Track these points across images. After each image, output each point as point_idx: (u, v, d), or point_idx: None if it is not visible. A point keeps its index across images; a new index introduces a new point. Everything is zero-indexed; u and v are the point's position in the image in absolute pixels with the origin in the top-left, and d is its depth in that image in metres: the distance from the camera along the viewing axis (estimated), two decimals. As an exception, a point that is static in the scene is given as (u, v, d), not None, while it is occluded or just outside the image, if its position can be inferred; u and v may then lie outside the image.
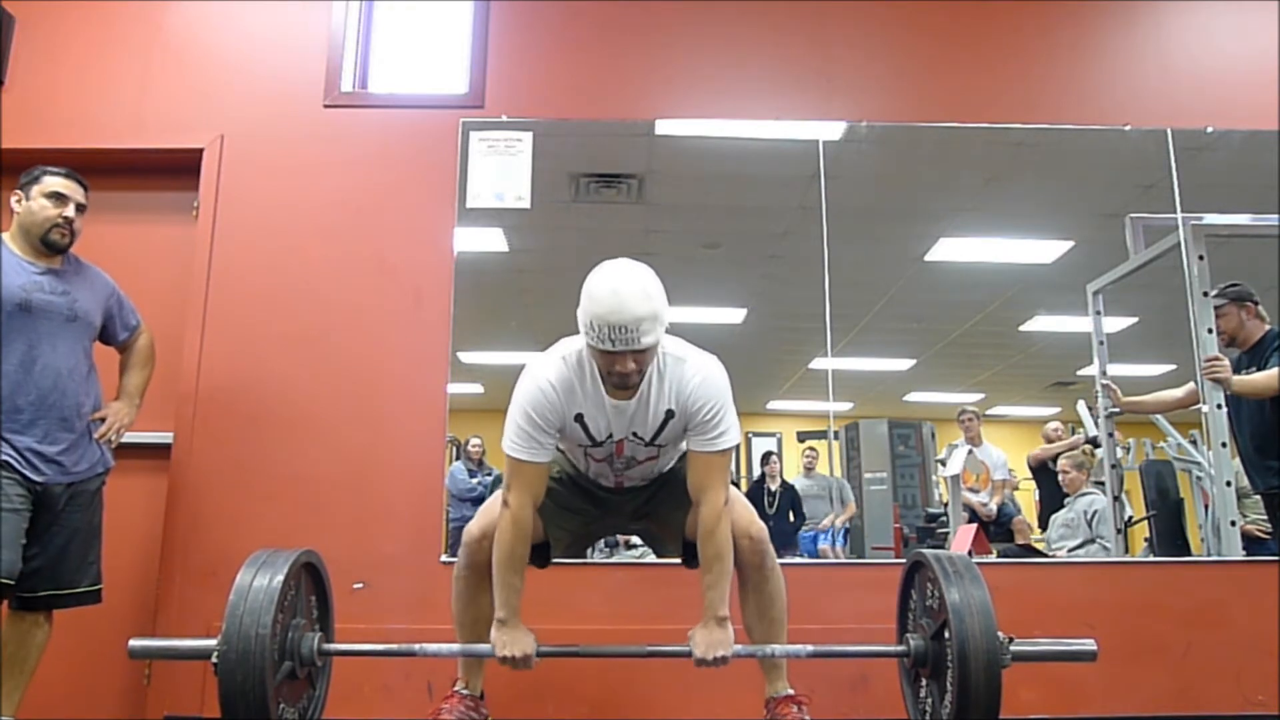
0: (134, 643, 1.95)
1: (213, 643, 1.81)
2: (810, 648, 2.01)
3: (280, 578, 1.84)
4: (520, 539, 2.00)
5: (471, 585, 2.13)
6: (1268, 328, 3.18)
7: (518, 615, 2.01)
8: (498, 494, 2.09)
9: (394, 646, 2.08)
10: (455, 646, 2.08)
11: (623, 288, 1.87)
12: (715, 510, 1.98)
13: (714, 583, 1.98)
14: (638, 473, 2.18)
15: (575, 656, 2.12)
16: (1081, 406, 3.65)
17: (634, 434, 2.06)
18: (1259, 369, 3.11)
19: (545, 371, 2.01)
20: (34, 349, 2.44)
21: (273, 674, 1.81)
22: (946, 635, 1.88)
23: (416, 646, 2.02)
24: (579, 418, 2.03)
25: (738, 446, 2.16)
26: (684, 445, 2.11)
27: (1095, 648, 1.96)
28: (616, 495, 2.25)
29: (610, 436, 2.07)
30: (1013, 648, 1.87)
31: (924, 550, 2.09)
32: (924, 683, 2.08)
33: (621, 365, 1.90)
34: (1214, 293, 3.23)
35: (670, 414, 2.03)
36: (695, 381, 2.01)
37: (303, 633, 1.96)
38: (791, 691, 2.11)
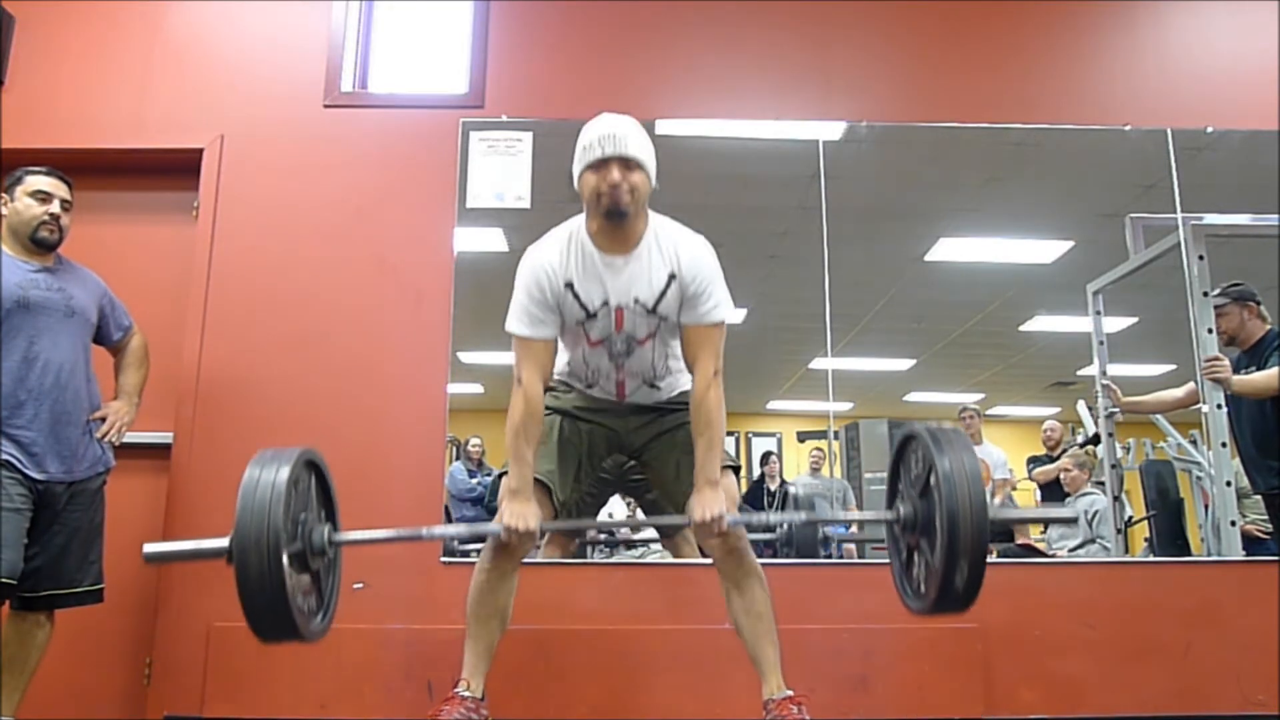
0: (148, 548, 1.97)
1: (226, 541, 1.83)
2: (803, 515, 2.02)
3: (287, 471, 1.87)
4: (531, 414, 2.06)
5: (493, 580, 2.13)
6: (1268, 328, 3.18)
7: (529, 488, 2.06)
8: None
9: (403, 531, 2.15)
10: (463, 528, 2.13)
11: (606, 117, 2.09)
12: (705, 379, 2.06)
13: (705, 448, 2.04)
14: (638, 367, 2.17)
15: (577, 530, 2.12)
16: (1081, 406, 3.65)
17: (635, 300, 2.09)
18: (1259, 369, 3.11)
19: (536, 248, 2.14)
20: (34, 344, 2.45)
21: (287, 562, 1.82)
22: (934, 490, 1.86)
23: (424, 530, 2.10)
24: (569, 286, 2.09)
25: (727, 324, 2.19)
26: (678, 350, 2.17)
27: (1075, 514, 1.96)
28: (622, 419, 2.24)
29: (606, 304, 2.10)
30: (997, 511, 1.86)
31: (914, 425, 2.08)
32: (914, 554, 2.04)
33: (610, 175, 2.00)
34: (1215, 292, 3.23)
35: (672, 277, 2.09)
36: (693, 249, 2.11)
37: (312, 524, 1.98)
38: (790, 692, 2.11)
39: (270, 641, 1.85)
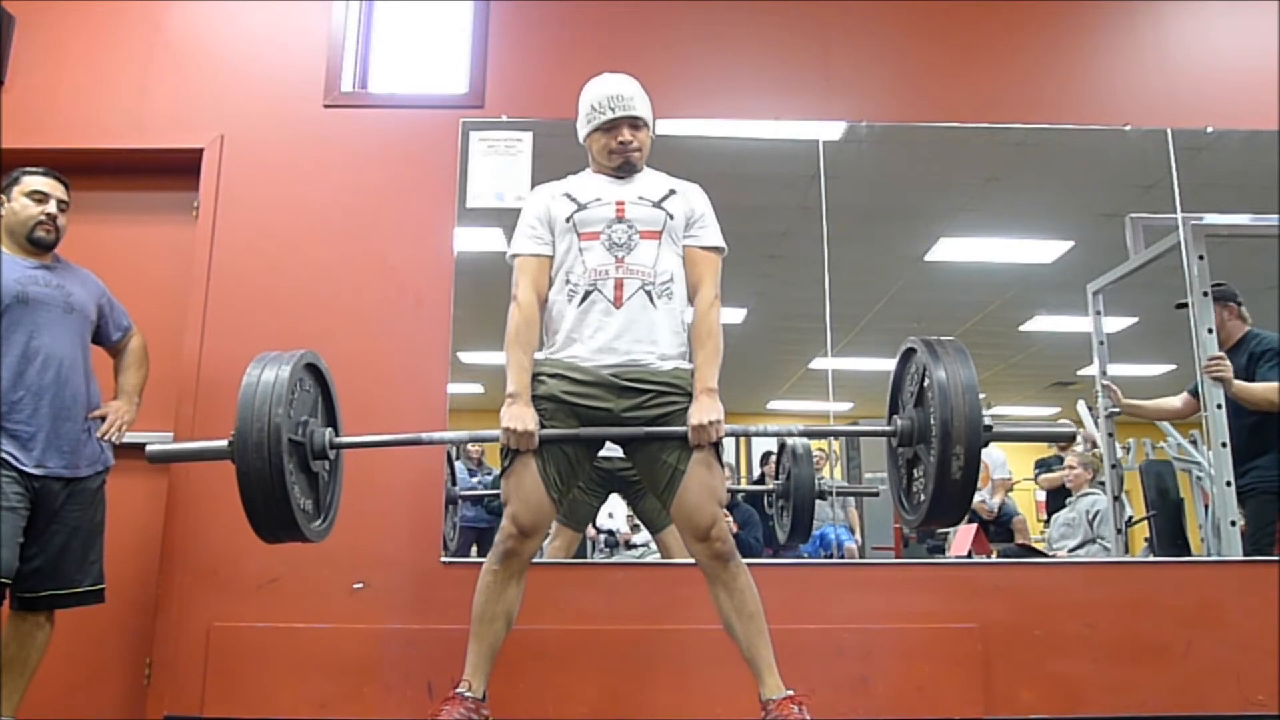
0: (151, 448, 1.98)
1: (227, 443, 1.83)
2: (800, 426, 2.06)
3: (287, 370, 1.88)
4: (528, 322, 2.19)
5: (501, 580, 2.13)
6: (1247, 328, 3.21)
7: (527, 393, 2.14)
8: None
9: (402, 435, 2.23)
10: (464, 434, 2.25)
11: (609, 76, 2.31)
12: (707, 300, 2.23)
13: (705, 359, 2.16)
14: (638, 265, 2.18)
15: (578, 439, 2.14)
16: (1081, 406, 3.64)
17: (639, 196, 2.26)
18: (1241, 371, 3.15)
19: (541, 185, 2.36)
20: (34, 340, 2.45)
21: (288, 459, 1.82)
22: (929, 398, 1.88)
23: (424, 435, 2.19)
24: (567, 194, 2.27)
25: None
26: (679, 274, 2.24)
27: (1074, 430, 2.00)
28: (611, 398, 2.15)
29: (599, 200, 2.24)
30: (996, 425, 1.91)
31: (915, 338, 2.11)
32: (913, 469, 2.05)
33: (621, 134, 2.24)
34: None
35: (673, 191, 2.29)
36: (689, 184, 2.34)
37: (314, 426, 1.98)
38: (790, 692, 2.11)
39: (271, 539, 1.84)
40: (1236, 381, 3.14)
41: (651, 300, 2.18)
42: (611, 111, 2.24)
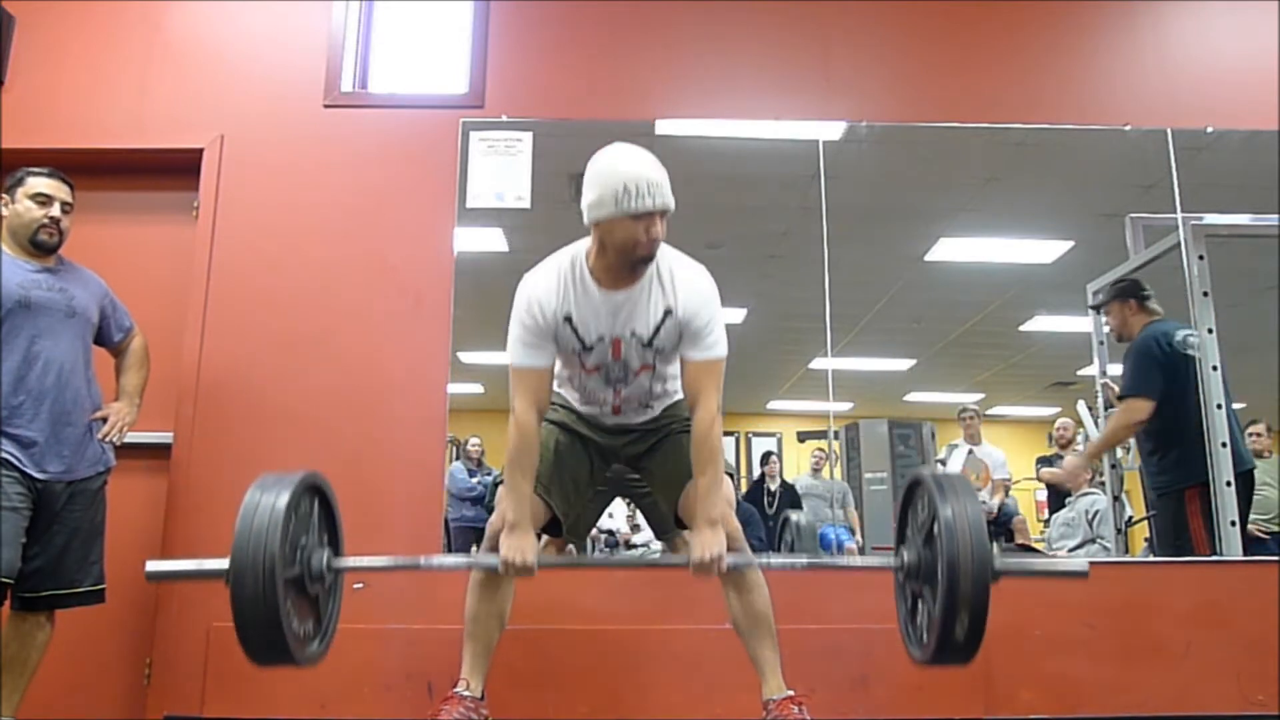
0: (151, 565, 1.97)
1: (227, 563, 1.83)
2: (805, 559, 2.01)
3: (286, 497, 1.86)
4: (527, 446, 2.06)
5: (491, 582, 2.15)
6: (1149, 320, 3.22)
7: (527, 521, 2.04)
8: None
9: (401, 560, 2.15)
10: (462, 559, 2.13)
11: (640, 153, 2.01)
12: (709, 416, 2.03)
13: (707, 487, 2.02)
14: (634, 393, 2.19)
15: (576, 567, 2.13)
16: (1081, 406, 3.65)
17: (632, 332, 2.09)
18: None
19: (534, 277, 2.11)
20: (35, 344, 2.45)
21: (284, 587, 1.81)
22: (936, 537, 1.87)
23: (422, 560, 2.08)
24: (568, 319, 2.08)
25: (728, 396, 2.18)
26: (673, 371, 2.19)
27: (1086, 568, 1.95)
28: (615, 437, 2.27)
29: (602, 338, 2.10)
30: (1004, 563, 1.86)
31: (921, 470, 2.07)
32: (919, 601, 2.05)
33: (653, 228, 1.97)
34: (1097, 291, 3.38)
35: (669, 313, 2.07)
36: (692, 284, 2.08)
37: (312, 549, 1.97)
38: (791, 692, 2.11)
39: (263, 664, 1.84)
40: (1088, 449, 3.41)
41: (648, 406, 2.25)
42: (650, 199, 1.95)
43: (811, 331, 3.30)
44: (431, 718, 2.08)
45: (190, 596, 2.90)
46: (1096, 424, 3.54)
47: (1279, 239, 3.34)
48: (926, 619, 1.97)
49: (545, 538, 2.62)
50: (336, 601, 2.13)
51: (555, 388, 2.28)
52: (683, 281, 2.08)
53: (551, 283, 2.08)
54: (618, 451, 2.29)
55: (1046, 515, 3.87)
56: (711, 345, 2.07)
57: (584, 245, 2.10)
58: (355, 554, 2.90)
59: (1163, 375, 3.13)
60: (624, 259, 2.02)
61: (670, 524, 2.34)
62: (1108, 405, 3.40)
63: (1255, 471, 3.23)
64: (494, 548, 2.11)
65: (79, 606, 2.50)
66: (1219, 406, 3.13)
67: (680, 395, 2.26)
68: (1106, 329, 3.32)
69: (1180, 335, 3.14)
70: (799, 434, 3.79)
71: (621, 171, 1.97)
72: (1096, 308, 3.39)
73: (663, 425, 2.26)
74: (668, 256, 2.10)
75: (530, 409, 2.06)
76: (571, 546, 2.50)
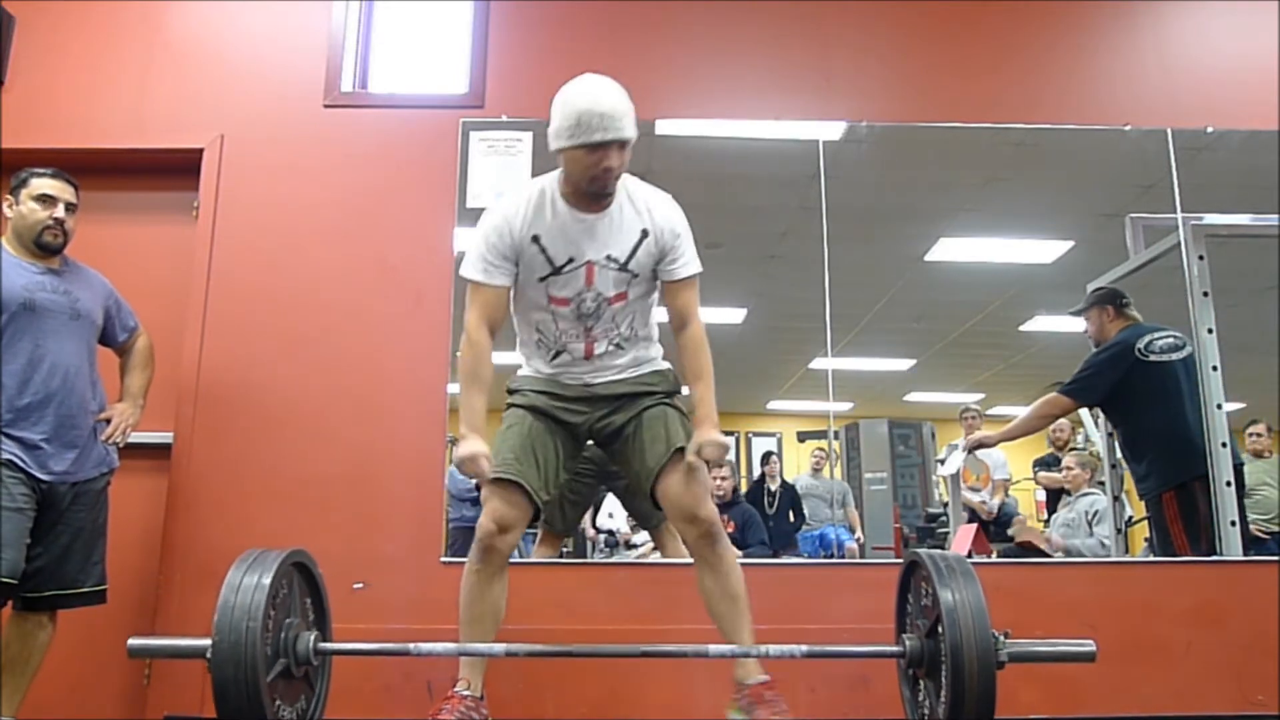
0: (133, 641, 1.95)
1: (209, 641, 1.81)
2: (805, 648, 2.00)
3: (269, 577, 1.83)
4: (479, 358, 2.13)
5: (484, 579, 2.14)
6: (1124, 325, 3.24)
7: (481, 429, 2.10)
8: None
9: (390, 645, 2.11)
10: (451, 646, 2.08)
11: (602, 84, 2.07)
12: (699, 327, 2.19)
13: (705, 390, 2.13)
14: (606, 330, 2.18)
15: (570, 656, 2.12)
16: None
17: (607, 256, 2.12)
18: None
19: (502, 200, 2.20)
20: (40, 347, 2.45)
21: (266, 672, 1.80)
22: (940, 633, 1.87)
23: (411, 646, 2.03)
24: (536, 239, 2.12)
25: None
26: (643, 315, 2.23)
27: (1094, 648, 1.94)
28: (585, 409, 2.23)
29: (573, 260, 2.12)
30: (1010, 648, 1.86)
31: (919, 550, 2.08)
32: (921, 684, 2.07)
33: (607, 160, 2.02)
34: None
35: (645, 234, 2.14)
36: (664, 207, 2.19)
37: (297, 631, 1.95)
38: (767, 678, 2.11)
39: None
40: (990, 435, 3.44)
41: (620, 347, 2.23)
42: (603, 132, 2.00)
43: (811, 331, 3.30)
44: (431, 717, 2.08)
45: (190, 596, 2.90)
46: (1096, 424, 3.54)
47: (1279, 239, 3.34)
48: (929, 704, 1.98)
49: (541, 530, 2.63)
50: (324, 682, 2.12)
51: (524, 360, 2.29)
52: (655, 204, 2.17)
53: (520, 204, 2.15)
54: (590, 429, 2.25)
55: (1046, 515, 3.87)
56: (689, 262, 2.19)
57: (558, 173, 2.17)
58: (355, 555, 2.91)
59: (1106, 386, 3.19)
60: (583, 189, 2.09)
61: (650, 510, 2.34)
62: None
63: (1256, 471, 3.23)
64: (485, 549, 2.11)
65: (81, 607, 2.50)
66: (1219, 407, 3.13)
67: (654, 361, 2.27)
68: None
69: (1149, 339, 3.15)
70: (799, 434, 3.79)
71: (579, 104, 2.03)
72: (1077, 313, 3.39)
73: (636, 395, 2.23)
74: (637, 186, 2.18)
75: (482, 325, 2.14)
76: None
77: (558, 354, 2.24)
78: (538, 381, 2.27)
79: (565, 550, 3.11)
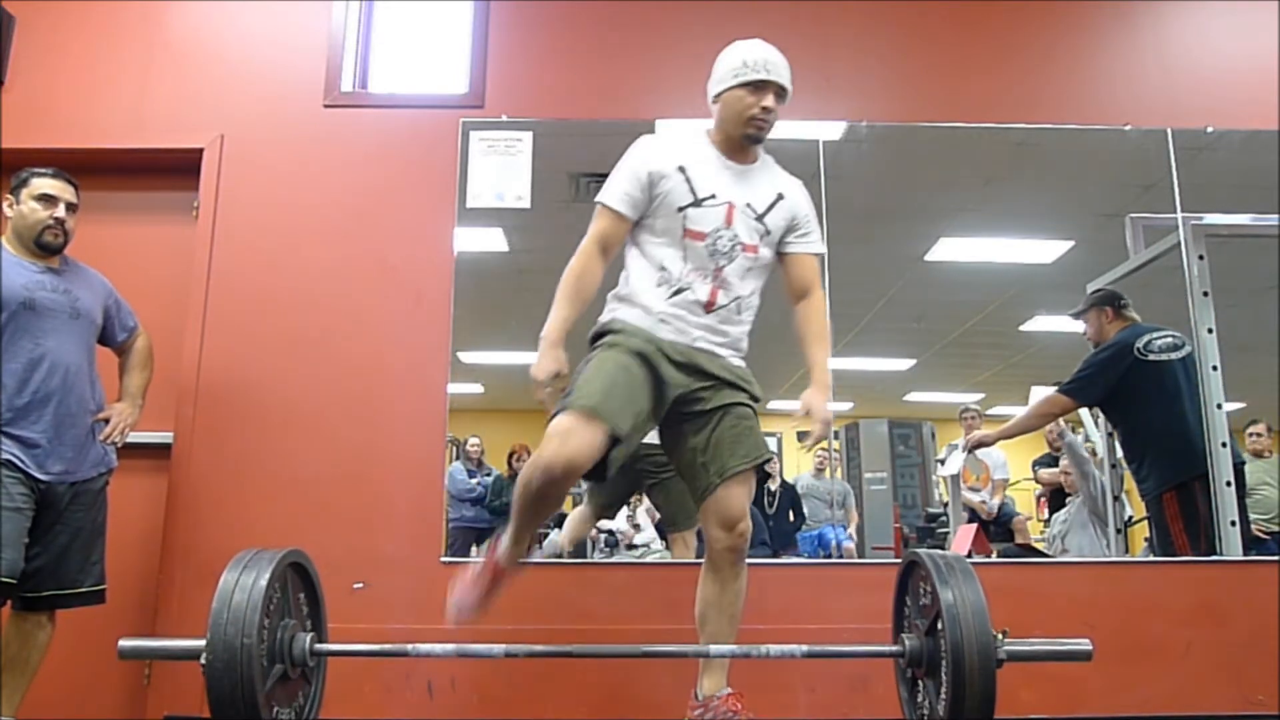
0: (124, 643, 1.93)
1: (203, 643, 1.80)
2: (804, 648, 2.00)
3: (265, 578, 1.82)
4: (590, 270, 2.16)
5: (545, 493, 1.98)
6: (1123, 326, 3.25)
7: (562, 343, 2.09)
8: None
9: (388, 646, 2.11)
10: (450, 646, 2.07)
11: (765, 44, 2.24)
12: (820, 298, 2.30)
13: (824, 356, 2.25)
14: (735, 274, 2.17)
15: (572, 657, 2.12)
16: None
17: (748, 204, 2.19)
18: None
19: (652, 137, 2.29)
20: (40, 346, 2.45)
21: (261, 674, 1.79)
22: (940, 631, 1.87)
23: (410, 646, 2.02)
24: (682, 169, 2.17)
25: None
26: (754, 299, 2.25)
27: (1090, 647, 1.95)
28: (686, 377, 2.13)
29: (714, 197, 2.16)
30: (1007, 646, 1.86)
31: (918, 550, 2.08)
32: (919, 683, 2.07)
33: (766, 99, 2.15)
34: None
35: (780, 197, 2.24)
36: (798, 185, 2.32)
37: (293, 632, 1.95)
38: (730, 690, 2.11)
39: None
40: (989, 433, 3.46)
41: (738, 312, 2.23)
42: (765, 73, 2.15)
43: (812, 331, 3.29)
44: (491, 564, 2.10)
45: (190, 596, 2.90)
46: (1096, 423, 3.54)
47: (1279, 239, 3.34)
48: (928, 704, 1.97)
49: (580, 509, 2.62)
50: (319, 683, 2.11)
51: (621, 305, 2.20)
52: (791, 180, 2.30)
53: (670, 140, 2.31)
54: (682, 399, 2.14)
55: (1046, 515, 3.86)
56: (817, 240, 2.31)
57: (707, 125, 2.27)
58: (355, 555, 2.91)
59: (1105, 386, 3.20)
60: (738, 132, 2.18)
61: (691, 510, 2.29)
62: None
63: (1256, 471, 3.23)
64: (541, 494, 1.97)
65: (80, 606, 2.50)
66: (1219, 406, 3.13)
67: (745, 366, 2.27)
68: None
69: (1148, 338, 3.15)
70: (799, 434, 3.78)
71: (745, 48, 2.21)
72: (1076, 315, 3.40)
73: (732, 385, 2.17)
74: (774, 161, 2.31)
75: (599, 247, 2.17)
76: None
77: (679, 291, 2.15)
78: (645, 323, 2.15)
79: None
